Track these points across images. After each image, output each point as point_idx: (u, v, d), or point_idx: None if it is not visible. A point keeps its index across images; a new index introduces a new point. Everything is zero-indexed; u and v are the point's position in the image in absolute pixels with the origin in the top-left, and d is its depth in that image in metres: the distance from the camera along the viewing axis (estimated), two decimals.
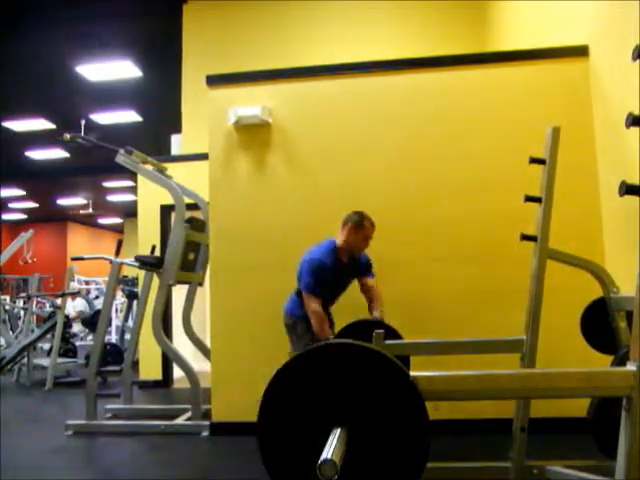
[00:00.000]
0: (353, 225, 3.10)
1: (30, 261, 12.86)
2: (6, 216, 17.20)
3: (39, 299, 10.23)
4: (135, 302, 6.96)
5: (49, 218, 17.79)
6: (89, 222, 19.15)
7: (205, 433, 3.75)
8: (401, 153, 3.72)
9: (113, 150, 4.26)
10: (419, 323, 3.43)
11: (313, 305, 3.02)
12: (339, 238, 3.14)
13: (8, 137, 10.03)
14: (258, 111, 3.71)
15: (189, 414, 4.04)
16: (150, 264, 4.23)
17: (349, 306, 3.24)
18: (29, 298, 7.83)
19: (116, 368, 6.39)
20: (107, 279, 4.61)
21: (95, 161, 10.34)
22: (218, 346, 3.75)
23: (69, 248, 18.19)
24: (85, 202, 16.10)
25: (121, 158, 4.22)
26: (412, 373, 1.32)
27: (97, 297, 10.67)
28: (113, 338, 9.40)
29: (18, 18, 6.45)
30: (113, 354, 6.70)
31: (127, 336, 6.94)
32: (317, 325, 2.99)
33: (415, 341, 2.85)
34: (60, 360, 6.45)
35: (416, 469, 1.28)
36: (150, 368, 5.89)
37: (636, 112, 1.55)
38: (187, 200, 4.27)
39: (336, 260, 3.11)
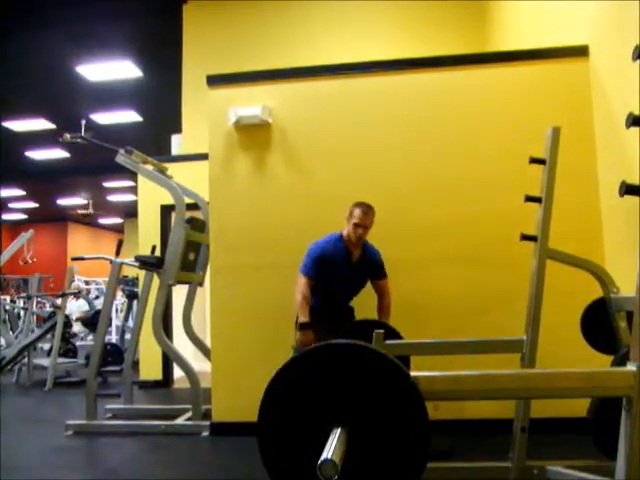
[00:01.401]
0: (348, 214, 3.12)
1: (30, 261, 12.86)
2: (6, 216, 17.20)
3: (39, 299, 10.22)
4: (135, 302, 6.97)
5: (49, 218, 17.79)
6: (89, 222, 19.14)
7: (205, 433, 3.75)
8: (401, 153, 3.72)
9: (113, 150, 4.27)
10: (419, 323, 3.44)
11: (300, 284, 3.06)
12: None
13: (8, 137, 10.04)
14: (258, 111, 3.71)
15: (189, 414, 4.04)
16: (150, 264, 4.23)
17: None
18: (29, 298, 7.83)
19: (116, 368, 6.40)
20: (107, 279, 4.61)
21: (95, 161, 10.34)
22: (218, 346, 3.75)
23: (69, 248, 18.20)
24: (85, 202, 16.11)
25: (121, 158, 4.22)
26: (412, 373, 1.32)
27: (97, 297, 10.67)
28: (113, 338, 9.41)
29: (18, 18, 6.45)
30: (113, 354, 6.70)
31: (127, 336, 6.94)
32: (297, 303, 3.03)
33: (415, 341, 2.85)
34: (60, 360, 6.45)
35: (416, 469, 1.28)
36: (150, 368, 5.89)
37: (636, 112, 1.55)
38: (187, 200, 4.27)
39: (342, 250, 3.13)
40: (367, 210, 3.08)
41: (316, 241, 3.21)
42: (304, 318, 3.00)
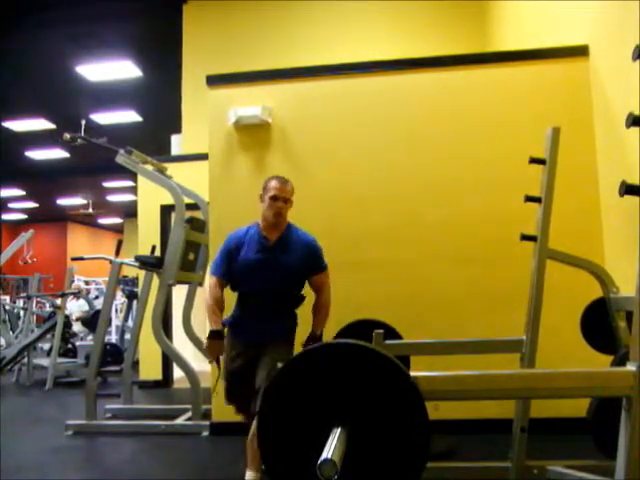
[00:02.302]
0: (262, 192, 2.56)
1: (30, 261, 12.85)
2: (6, 216, 17.19)
3: (39, 299, 10.22)
4: (135, 302, 6.97)
5: (49, 218, 17.78)
6: (89, 222, 19.15)
7: (205, 433, 3.75)
8: (401, 153, 3.72)
9: (113, 150, 4.27)
10: (419, 323, 3.43)
11: (210, 286, 2.55)
12: None
13: (8, 137, 10.03)
14: (258, 111, 3.71)
15: (189, 414, 4.04)
16: (150, 264, 4.23)
17: (348, 305, 3.24)
18: (29, 298, 7.83)
19: (116, 368, 6.40)
20: (107, 279, 4.61)
21: (95, 161, 10.32)
22: None
23: (69, 248, 18.19)
24: (85, 202, 16.10)
25: (121, 158, 4.22)
26: (412, 373, 1.32)
27: (97, 297, 10.67)
28: (113, 338, 9.41)
29: (18, 18, 6.45)
30: (113, 354, 6.70)
31: (127, 336, 6.94)
32: (207, 311, 2.51)
33: (415, 341, 2.85)
34: (60, 360, 6.45)
35: (416, 469, 1.28)
36: (150, 368, 5.90)
37: (636, 112, 1.55)
38: (187, 200, 4.27)
39: (256, 235, 2.54)
40: (285, 181, 2.55)
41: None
42: (214, 325, 2.49)
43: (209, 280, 2.58)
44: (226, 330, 2.57)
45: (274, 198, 2.49)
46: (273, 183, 2.52)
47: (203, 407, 3.92)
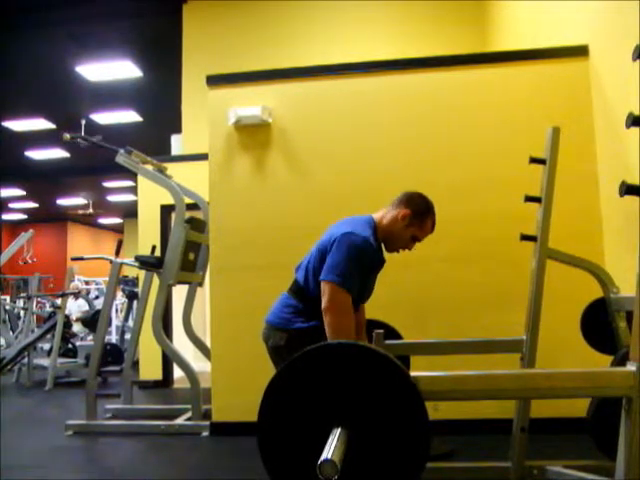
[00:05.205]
0: (412, 211, 2.20)
1: (30, 261, 12.84)
2: (6, 216, 17.20)
3: (39, 299, 10.22)
4: (135, 302, 6.97)
5: (49, 218, 17.79)
6: (89, 222, 19.16)
7: (205, 433, 3.75)
8: (401, 153, 3.72)
9: (113, 150, 4.27)
10: (420, 323, 3.43)
11: (342, 302, 1.98)
12: (381, 216, 2.24)
13: (8, 137, 10.04)
14: (258, 111, 3.71)
15: (189, 414, 4.04)
16: (150, 264, 4.23)
17: None
18: (29, 298, 7.83)
19: (116, 368, 6.41)
20: (107, 279, 4.61)
21: (95, 161, 10.33)
22: (218, 346, 3.75)
23: (69, 248, 18.20)
24: (85, 202, 16.11)
25: (121, 158, 4.22)
26: (412, 373, 1.32)
27: (97, 297, 10.67)
28: (113, 338, 9.40)
29: (19, 18, 6.45)
30: (113, 354, 6.70)
31: (127, 336, 6.94)
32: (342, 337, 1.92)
33: (415, 341, 2.85)
34: (60, 360, 6.45)
35: (416, 469, 1.28)
36: (150, 368, 5.90)
37: (636, 112, 1.55)
38: (187, 200, 4.27)
39: (378, 254, 2.21)
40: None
41: (347, 222, 2.20)
42: None
43: (337, 291, 1.98)
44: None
45: (416, 239, 2.27)
46: (430, 225, 2.26)
47: (203, 407, 3.92)
